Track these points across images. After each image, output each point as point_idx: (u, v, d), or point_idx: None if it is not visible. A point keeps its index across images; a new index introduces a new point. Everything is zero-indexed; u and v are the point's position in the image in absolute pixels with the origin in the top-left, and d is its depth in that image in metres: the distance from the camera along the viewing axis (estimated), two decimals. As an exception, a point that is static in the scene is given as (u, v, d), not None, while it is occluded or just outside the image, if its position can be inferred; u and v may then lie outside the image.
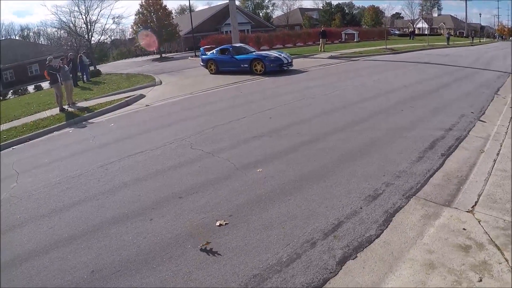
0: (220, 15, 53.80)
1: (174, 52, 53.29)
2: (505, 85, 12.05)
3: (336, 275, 3.34)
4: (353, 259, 3.53)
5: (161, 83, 18.93)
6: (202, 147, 7.37)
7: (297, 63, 18.79)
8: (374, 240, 3.80)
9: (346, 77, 14.80)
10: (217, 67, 19.31)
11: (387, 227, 4.02)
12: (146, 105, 13.41)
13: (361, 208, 4.44)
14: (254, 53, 18.97)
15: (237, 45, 20.68)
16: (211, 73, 19.64)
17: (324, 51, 27.55)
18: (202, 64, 20.70)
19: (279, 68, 17.37)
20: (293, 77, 16.18)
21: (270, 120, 8.93)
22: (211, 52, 20.38)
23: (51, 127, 11.94)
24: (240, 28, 33.97)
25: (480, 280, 3.10)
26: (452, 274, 3.20)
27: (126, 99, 14.58)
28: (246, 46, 20.63)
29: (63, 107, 14.24)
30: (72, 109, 14.19)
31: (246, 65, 17.81)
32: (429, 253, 3.51)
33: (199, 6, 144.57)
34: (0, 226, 5.14)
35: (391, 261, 3.47)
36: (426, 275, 3.23)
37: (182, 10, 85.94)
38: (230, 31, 28.03)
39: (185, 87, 16.40)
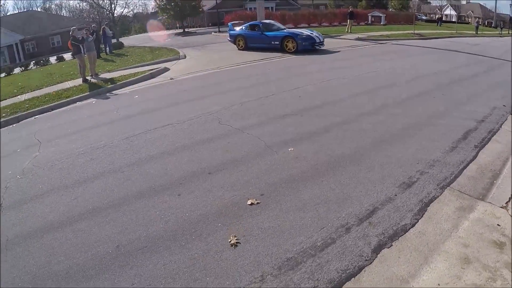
0: (245, -9, 52.93)
1: (197, 27, 52.86)
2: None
3: (371, 263, 3.27)
4: (388, 247, 3.45)
5: (185, 57, 18.72)
6: (230, 122, 7.27)
7: (325, 43, 18.32)
8: (409, 230, 3.71)
9: (375, 60, 14.41)
10: (246, 43, 18.97)
11: (422, 216, 3.93)
12: (171, 78, 13.27)
13: (395, 195, 4.33)
14: (285, 30, 18.54)
15: (267, 21, 20.25)
16: (239, 49, 19.34)
17: (350, 32, 26.98)
18: (230, 39, 20.38)
19: (311, 47, 16.85)
20: (322, 57, 15.79)
21: (300, 98, 8.77)
22: (240, 27, 20.03)
23: (74, 97, 11.91)
24: (265, 5, 33.30)
25: (515, 279, 3.02)
26: (487, 270, 3.14)
27: (150, 72, 14.47)
28: (276, 23, 20.08)
29: (86, 78, 14.23)
30: (95, 80, 14.20)
31: (277, 42, 17.32)
32: (464, 247, 3.44)
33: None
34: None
35: (426, 252, 3.39)
36: (462, 269, 3.16)
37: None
38: (255, 8, 27.53)
39: (210, 62, 16.20)
